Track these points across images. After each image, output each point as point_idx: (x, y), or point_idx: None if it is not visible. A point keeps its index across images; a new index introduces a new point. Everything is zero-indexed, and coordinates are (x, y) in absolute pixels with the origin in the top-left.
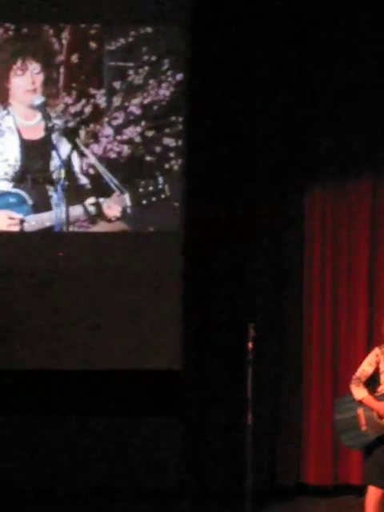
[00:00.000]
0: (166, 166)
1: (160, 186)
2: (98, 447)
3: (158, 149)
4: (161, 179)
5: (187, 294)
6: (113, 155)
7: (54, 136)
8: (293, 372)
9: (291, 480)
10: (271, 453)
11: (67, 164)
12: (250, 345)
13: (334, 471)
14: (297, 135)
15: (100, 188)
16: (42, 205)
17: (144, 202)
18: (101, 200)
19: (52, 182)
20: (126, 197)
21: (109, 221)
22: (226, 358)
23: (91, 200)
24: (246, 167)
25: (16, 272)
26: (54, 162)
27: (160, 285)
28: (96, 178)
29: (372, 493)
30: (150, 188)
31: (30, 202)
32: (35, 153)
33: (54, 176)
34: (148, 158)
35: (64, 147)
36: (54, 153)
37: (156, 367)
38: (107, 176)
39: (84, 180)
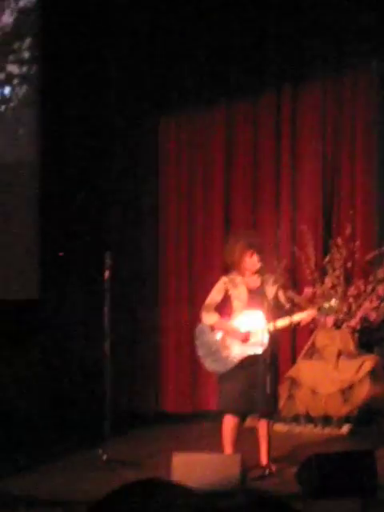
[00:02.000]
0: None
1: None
2: None
3: (1, 76)
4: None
5: (44, 224)
6: None
7: None
8: (150, 300)
9: (150, 407)
10: (130, 381)
11: None
12: (107, 273)
13: (193, 398)
14: (150, 62)
15: None
16: None
17: None
18: None
19: None
20: None
21: None
22: (83, 287)
23: None
24: (100, 95)
25: None
26: None
27: (16, 215)
28: None
29: (227, 420)
30: None
31: None
32: None
33: None
34: None
35: None
36: None
37: (14, 297)
38: None
39: None
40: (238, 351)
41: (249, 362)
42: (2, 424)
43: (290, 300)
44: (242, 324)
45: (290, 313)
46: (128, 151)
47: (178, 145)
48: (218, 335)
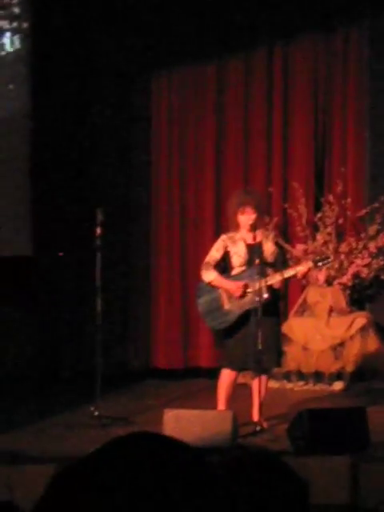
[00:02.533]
0: None
1: None
2: None
3: None
4: None
5: (35, 179)
6: None
7: None
8: (141, 257)
9: (142, 364)
10: (121, 337)
11: None
12: (98, 230)
13: (184, 355)
14: (142, 19)
15: None
16: None
17: None
18: None
19: None
20: None
21: None
22: (75, 244)
23: None
24: (91, 53)
25: None
26: None
27: (7, 172)
28: None
29: (226, 375)
30: None
31: None
32: None
33: None
34: None
35: None
36: None
37: (7, 254)
38: None
39: None
40: (236, 307)
41: (247, 317)
42: None
43: (286, 256)
44: (240, 279)
45: (286, 268)
46: (120, 109)
47: (169, 101)
48: (218, 292)
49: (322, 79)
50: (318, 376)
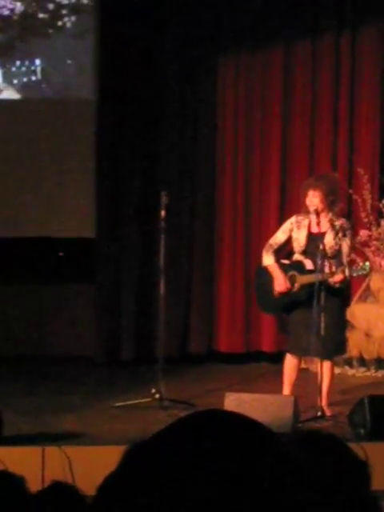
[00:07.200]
0: (59, 23)
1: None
2: (11, 314)
3: (50, 6)
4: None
5: (100, 161)
6: (6, 12)
7: None
8: (205, 241)
9: (203, 347)
10: (183, 320)
11: None
12: (163, 213)
13: (246, 339)
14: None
15: None
16: None
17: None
18: None
19: None
20: None
21: None
22: (138, 226)
23: None
24: (157, 33)
25: None
26: None
27: (71, 153)
28: None
29: (288, 360)
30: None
31: None
32: None
33: None
34: (41, 15)
35: None
36: None
37: (69, 235)
38: None
39: None
40: (285, 297)
41: (309, 302)
42: (56, 361)
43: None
44: (292, 270)
45: (342, 264)
46: (186, 91)
47: (235, 85)
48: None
49: None
50: (379, 362)
